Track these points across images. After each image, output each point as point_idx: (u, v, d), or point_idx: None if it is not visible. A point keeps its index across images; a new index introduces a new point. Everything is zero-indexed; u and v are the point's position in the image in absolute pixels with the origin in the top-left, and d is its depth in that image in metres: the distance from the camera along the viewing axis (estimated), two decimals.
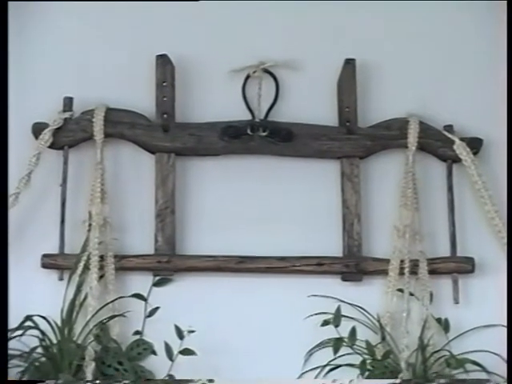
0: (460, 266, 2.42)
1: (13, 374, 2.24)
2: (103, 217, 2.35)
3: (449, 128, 2.51)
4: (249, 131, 2.46)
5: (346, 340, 2.29)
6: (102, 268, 2.31)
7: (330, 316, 2.31)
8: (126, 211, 2.43)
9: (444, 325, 2.36)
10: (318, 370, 2.32)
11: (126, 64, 2.52)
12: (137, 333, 2.29)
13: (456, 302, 2.39)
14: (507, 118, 2.58)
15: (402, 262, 2.37)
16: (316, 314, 2.31)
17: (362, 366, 2.28)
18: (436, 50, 2.66)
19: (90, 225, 2.34)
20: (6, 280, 2.30)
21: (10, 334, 2.28)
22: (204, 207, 2.47)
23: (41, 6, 2.70)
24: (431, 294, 2.38)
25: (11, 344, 2.22)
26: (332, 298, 2.33)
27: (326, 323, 2.30)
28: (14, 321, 2.25)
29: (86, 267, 2.30)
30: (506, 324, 2.42)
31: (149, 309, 2.28)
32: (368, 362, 2.29)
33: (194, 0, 2.63)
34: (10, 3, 2.52)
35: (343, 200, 2.45)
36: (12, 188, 2.36)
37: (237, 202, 2.48)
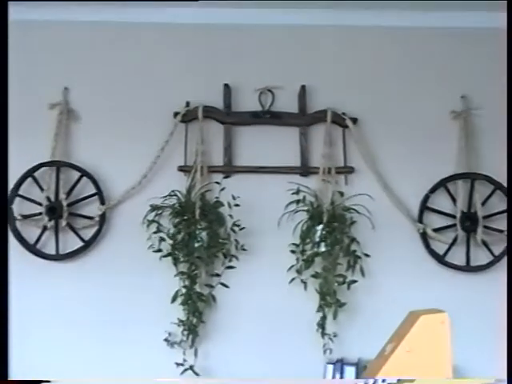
0: (347, 170, 4.02)
1: (167, 213, 3.80)
2: (202, 150, 3.93)
3: (343, 113, 4.00)
4: (261, 115, 4.00)
5: (301, 200, 3.86)
6: (202, 170, 3.88)
7: (295, 190, 3.84)
8: (212, 148, 4.02)
9: (340, 194, 3.91)
10: (289, 213, 3.85)
11: (210, 86, 4.02)
12: (216, 197, 3.83)
13: (346, 184, 4.00)
14: (507, 114, 3.39)
15: (324, 168, 3.93)
16: (290, 190, 3.85)
17: (308, 209, 3.83)
18: (345, 75, 4.05)
19: (196, 154, 3.91)
20: (6, 284, 2.70)
21: (166, 198, 3.80)
22: (244, 145, 4.02)
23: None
24: (336, 173, 3.93)
25: (165, 203, 3.81)
26: (296, 183, 3.87)
27: (293, 193, 3.85)
28: (165, 192, 3.85)
29: (195, 171, 3.87)
30: (370, 195, 3.81)
31: (220, 187, 3.80)
32: (310, 209, 3.83)
33: (194, 0, 3.40)
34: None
35: (300, 145, 3.99)
36: (164, 140, 3.96)
37: (258, 142, 4.01)
